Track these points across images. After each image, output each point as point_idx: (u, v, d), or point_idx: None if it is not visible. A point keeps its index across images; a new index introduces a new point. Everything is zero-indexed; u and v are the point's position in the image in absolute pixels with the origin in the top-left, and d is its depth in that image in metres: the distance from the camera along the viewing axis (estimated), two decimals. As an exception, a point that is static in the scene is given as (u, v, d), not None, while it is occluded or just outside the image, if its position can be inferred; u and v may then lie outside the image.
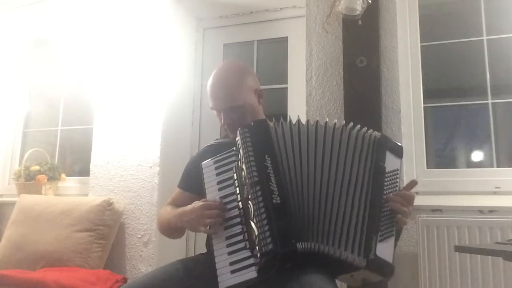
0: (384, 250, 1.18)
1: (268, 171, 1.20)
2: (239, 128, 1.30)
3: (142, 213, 2.44)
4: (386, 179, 1.26)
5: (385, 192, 1.25)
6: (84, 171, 2.79)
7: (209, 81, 1.51)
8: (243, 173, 1.23)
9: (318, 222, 1.18)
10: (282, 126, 1.29)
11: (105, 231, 2.32)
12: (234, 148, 1.31)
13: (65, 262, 2.21)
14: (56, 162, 2.90)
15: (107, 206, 2.35)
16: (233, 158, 1.30)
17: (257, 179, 1.19)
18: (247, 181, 1.20)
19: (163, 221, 1.51)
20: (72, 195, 2.72)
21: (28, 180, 2.71)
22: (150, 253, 2.38)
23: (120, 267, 2.41)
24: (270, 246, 1.10)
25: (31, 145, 3.02)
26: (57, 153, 3.01)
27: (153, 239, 2.39)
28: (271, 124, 1.30)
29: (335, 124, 1.31)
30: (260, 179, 1.19)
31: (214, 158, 1.35)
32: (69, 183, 2.85)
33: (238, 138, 1.29)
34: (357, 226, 1.19)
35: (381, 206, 1.23)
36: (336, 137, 1.28)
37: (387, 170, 1.27)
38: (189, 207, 1.34)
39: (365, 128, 1.33)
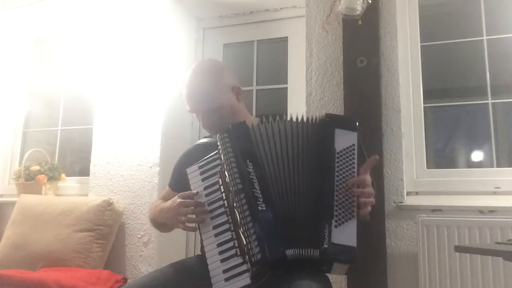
0: (343, 234, 1.15)
1: (251, 177, 1.19)
2: (218, 134, 1.28)
3: (142, 213, 2.43)
4: (338, 159, 1.23)
5: (338, 173, 1.22)
6: (84, 171, 2.79)
7: (184, 83, 1.47)
8: (226, 179, 1.22)
9: (303, 224, 1.17)
10: (259, 127, 1.27)
11: (105, 231, 2.32)
12: (217, 151, 1.29)
13: (65, 262, 2.21)
14: (56, 162, 2.90)
15: (107, 206, 2.35)
16: (218, 162, 1.28)
17: (241, 186, 1.17)
18: (231, 188, 1.19)
19: (152, 215, 1.53)
20: (72, 195, 2.71)
21: (28, 180, 2.71)
22: (150, 253, 2.38)
23: (120, 267, 2.41)
24: (259, 256, 1.09)
25: (31, 145, 3.02)
26: (57, 153, 3.01)
27: (153, 239, 2.38)
28: (250, 125, 1.28)
29: (302, 118, 1.28)
30: (243, 187, 1.17)
31: (198, 163, 1.32)
32: (69, 183, 2.85)
33: (218, 143, 1.27)
34: (309, 218, 1.17)
35: (333, 191, 1.19)
36: (298, 131, 1.26)
37: (339, 150, 1.24)
38: (168, 203, 1.34)
39: (315, 115, 1.29)
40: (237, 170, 1.20)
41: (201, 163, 1.31)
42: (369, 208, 1.22)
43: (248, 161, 1.21)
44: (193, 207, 1.26)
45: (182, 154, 1.62)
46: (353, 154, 1.25)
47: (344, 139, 1.26)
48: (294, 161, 1.24)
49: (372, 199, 1.22)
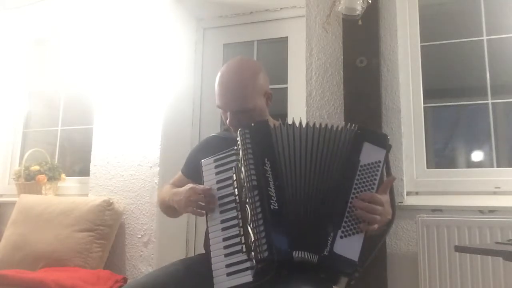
0: (346, 246, 1.13)
1: (267, 175, 1.18)
2: (240, 129, 1.28)
3: (142, 213, 2.44)
4: (360, 172, 1.21)
5: (356, 186, 1.20)
6: (84, 171, 2.79)
7: (219, 78, 1.43)
8: (242, 175, 1.21)
9: (310, 228, 1.16)
10: (281, 128, 1.26)
11: (105, 231, 2.32)
12: (235, 147, 1.29)
13: (65, 262, 2.21)
14: (56, 162, 2.90)
15: (107, 206, 2.35)
16: (233, 158, 1.28)
17: (256, 183, 1.17)
18: (245, 184, 1.19)
19: (161, 197, 1.55)
20: (72, 195, 2.71)
21: (28, 180, 2.71)
22: (150, 253, 2.38)
23: (120, 267, 2.41)
24: (266, 254, 1.08)
25: (31, 145, 3.02)
26: (57, 153, 3.01)
27: (153, 239, 2.39)
28: (272, 126, 1.27)
29: (326, 125, 1.28)
30: (258, 184, 1.17)
31: (214, 157, 1.33)
32: (69, 183, 2.85)
33: (238, 138, 1.27)
34: (317, 224, 1.16)
35: (347, 201, 1.18)
36: (322, 138, 1.25)
37: (363, 163, 1.22)
38: (183, 188, 1.36)
39: (349, 125, 1.28)
40: (253, 167, 1.19)
41: (217, 157, 1.32)
42: (375, 226, 1.18)
43: (266, 159, 1.20)
44: (202, 195, 1.27)
45: (200, 142, 1.65)
46: (377, 171, 1.22)
47: (371, 154, 1.24)
48: (312, 166, 1.23)
49: (377, 217, 1.17)
